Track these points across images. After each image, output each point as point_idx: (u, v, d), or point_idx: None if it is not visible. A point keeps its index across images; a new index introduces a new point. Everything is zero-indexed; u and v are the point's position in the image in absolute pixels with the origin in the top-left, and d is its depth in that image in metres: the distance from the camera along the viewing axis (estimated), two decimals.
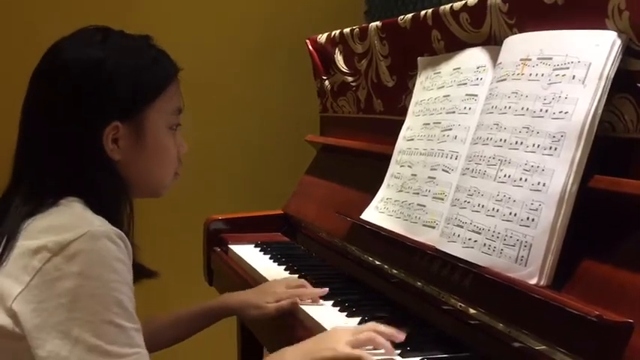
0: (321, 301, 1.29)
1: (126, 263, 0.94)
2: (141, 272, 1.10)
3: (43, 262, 0.91)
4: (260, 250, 1.71)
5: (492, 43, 1.20)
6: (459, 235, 1.08)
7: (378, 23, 1.56)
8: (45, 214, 0.96)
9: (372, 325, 1.06)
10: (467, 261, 1.05)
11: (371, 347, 1.03)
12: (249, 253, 1.68)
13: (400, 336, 1.04)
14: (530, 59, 1.04)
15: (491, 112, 1.09)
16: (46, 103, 1.02)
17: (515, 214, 0.98)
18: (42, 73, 1.03)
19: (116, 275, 0.91)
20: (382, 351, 1.02)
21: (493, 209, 1.02)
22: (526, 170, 0.98)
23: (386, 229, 1.32)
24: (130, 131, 1.03)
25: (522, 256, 0.96)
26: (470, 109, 1.20)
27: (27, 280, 0.91)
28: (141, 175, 1.06)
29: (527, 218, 0.96)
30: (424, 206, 1.23)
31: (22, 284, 0.91)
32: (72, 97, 1.00)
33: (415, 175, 1.30)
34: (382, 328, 1.05)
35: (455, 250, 1.08)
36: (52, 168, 1.00)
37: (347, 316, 1.20)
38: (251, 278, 1.52)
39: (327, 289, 1.30)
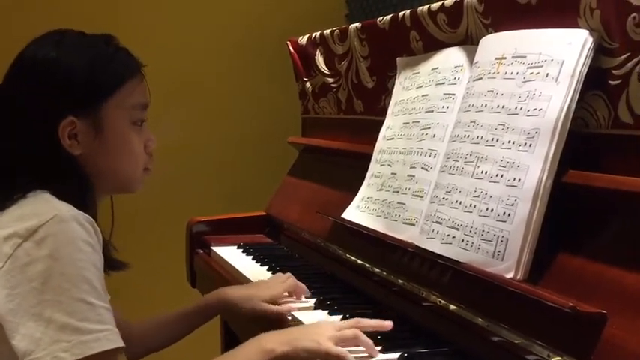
0: (303, 298, 1.30)
1: (94, 247, 0.95)
2: (111, 265, 1.10)
3: (14, 248, 0.93)
4: (243, 252, 1.71)
5: (469, 42, 1.22)
6: (437, 232, 1.10)
7: (357, 24, 1.57)
8: (14, 207, 0.98)
9: (355, 320, 1.07)
10: (446, 257, 1.07)
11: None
12: (231, 255, 1.69)
13: (387, 324, 1.05)
14: (505, 58, 1.06)
15: (468, 111, 1.11)
16: (9, 102, 1.05)
17: (491, 210, 1.00)
18: (7, 76, 1.07)
19: (84, 255, 0.93)
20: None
21: (470, 205, 1.04)
22: (502, 166, 1.00)
23: (367, 228, 1.33)
24: (88, 126, 1.04)
25: (499, 251, 0.97)
26: (448, 107, 1.22)
27: None
28: (107, 170, 1.07)
29: (504, 213, 0.98)
30: (404, 204, 1.25)
31: None
32: (28, 95, 1.04)
33: (395, 173, 1.31)
34: (365, 322, 1.06)
35: (434, 246, 1.10)
36: (18, 164, 1.02)
37: (329, 314, 1.22)
38: (234, 279, 1.52)
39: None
